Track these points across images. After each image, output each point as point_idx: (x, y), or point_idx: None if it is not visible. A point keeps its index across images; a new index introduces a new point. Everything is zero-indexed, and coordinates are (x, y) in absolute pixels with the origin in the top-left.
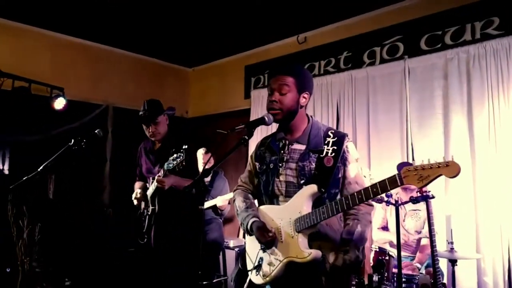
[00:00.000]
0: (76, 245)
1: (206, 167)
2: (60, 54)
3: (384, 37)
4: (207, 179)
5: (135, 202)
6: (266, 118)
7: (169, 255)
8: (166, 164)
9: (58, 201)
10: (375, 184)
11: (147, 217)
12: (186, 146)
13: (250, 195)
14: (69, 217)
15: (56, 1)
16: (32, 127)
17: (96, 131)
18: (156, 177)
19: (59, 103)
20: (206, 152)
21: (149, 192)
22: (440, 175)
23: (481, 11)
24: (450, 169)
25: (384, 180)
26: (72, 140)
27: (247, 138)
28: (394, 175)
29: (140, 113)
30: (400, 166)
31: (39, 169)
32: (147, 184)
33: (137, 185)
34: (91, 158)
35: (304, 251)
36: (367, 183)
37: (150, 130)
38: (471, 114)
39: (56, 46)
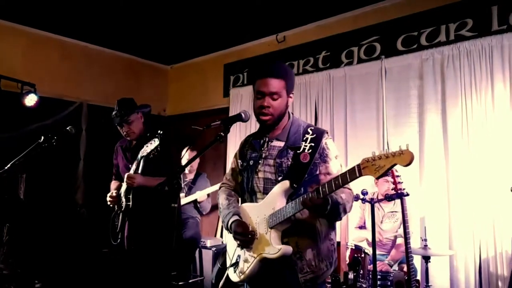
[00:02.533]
0: (47, 246)
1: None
2: (33, 49)
3: (362, 37)
4: (190, 176)
5: (109, 202)
6: (243, 115)
7: (142, 254)
8: (140, 152)
9: (29, 201)
10: (337, 176)
11: (120, 215)
12: (161, 132)
13: (233, 192)
14: (40, 217)
15: None
16: (1, 125)
17: (67, 128)
18: (126, 174)
19: (31, 100)
20: (192, 150)
21: (123, 189)
22: (395, 164)
23: (455, 13)
24: (403, 157)
25: (345, 172)
26: (42, 137)
27: (223, 134)
28: (354, 166)
29: (112, 114)
30: None
31: (6, 167)
32: (123, 184)
33: (113, 184)
34: (64, 156)
35: (275, 246)
36: None
37: (124, 130)
38: (445, 113)
39: (28, 41)
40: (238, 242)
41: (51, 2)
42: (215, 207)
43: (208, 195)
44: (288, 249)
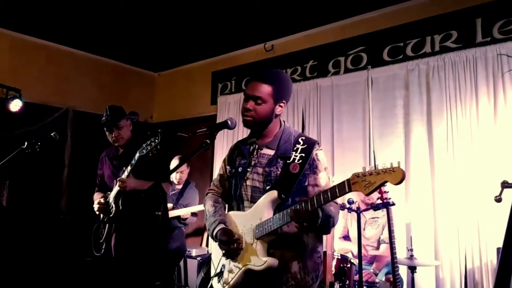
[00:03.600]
0: (30, 253)
1: (178, 176)
2: (19, 54)
3: (349, 48)
4: (179, 187)
5: (97, 209)
6: (229, 122)
7: (130, 263)
8: (138, 150)
9: (13, 208)
10: (326, 190)
11: (108, 223)
12: (161, 130)
13: (220, 199)
14: (23, 224)
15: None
16: None
17: (52, 134)
18: (119, 178)
19: (15, 105)
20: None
21: (112, 194)
22: (386, 181)
23: (440, 24)
24: (394, 175)
25: (334, 187)
26: (26, 143)
27: (209, 141)
28: (343, 181)
29: (103, 118)
30: None
31: None
32: (108, 193)
33: (96, 196)
34: (49, 163)
35: (261, 258)
36: None
37: (113, 135)
38: (431, 124)
39: (14, 46)
40: (223, 251)
41: (37, 7)
42: (201, 219)
43: (196, 214)
44: (274, 261)
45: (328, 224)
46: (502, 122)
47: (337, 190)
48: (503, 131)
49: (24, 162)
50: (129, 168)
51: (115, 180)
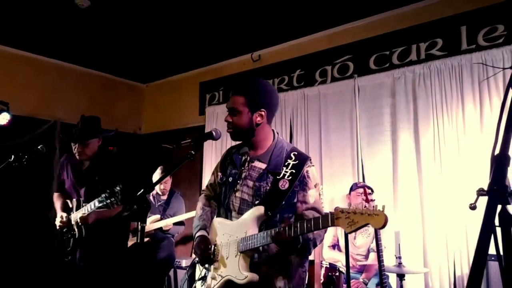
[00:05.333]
0: (18, 265)
1: (162, 187)
2: (6, 67)
3: (335, 56)
4: (164, 197)
5: (59, 226)
6: (214, 133)
7: (96, 274)
8: (97, 200)
9: (1, 219)
10: (310, 219)
11: (71, 240)
12: (119, 188)
13: (212, 201)
14: (12, 236)
15: (3, 13)
16: None
17: (39, 147)
18: (79, 216)
19: (3, 118)
20: (163, 170)
21: (73, 219)
22: (368, 224)
23: (425, 32)
24: (377, 219)
25: (317, 218)
26: (13, 156)
27: (193, 152)
28: (327, 215)
29: (73, 129)
30: (355, 186)
31: None
32: (68, 202)
33: (57, 199)
34: (38, 175)
35: (242, 273)
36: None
37: (77, 150)
38: (418, 132)
39: (1, 60)
40: (197, 257)
41: (24, 20)
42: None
43: (183, 222)
44: (255, 277)
45: (307, 247)
46: (488, 129)
47: (320, 222)
48: (490, 138)
49: (13, 175)
50: (89, 207)
51: (74, 196)
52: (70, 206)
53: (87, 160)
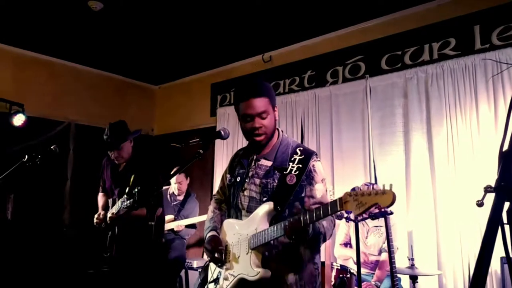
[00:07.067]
0: (33, 266)
1: (177, 187)
2: (22, 69)
3: (347, 57)
4: (180, 198)
5: (96, 222)
6: (222, 132)
7: (130, 276)
8: (120, 202)
9: (17, 221)
10: (319, 207)
11: (108, 237)
12: (137, 189)
13: (223, 205)
14: (27, 237)
15: (19, 16)
16: None
17: (52, 147)
18: (108, 216)
19: (18, 120)
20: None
21: (108, 216)
22: (376, 203)
23: (438, 32)
24: (385, 198)
25: (326, 204)
26: (26, 156)
27: (202, 152)
28: (336, 200)
29: (104, 137)
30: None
31: None
32: (109, 201)
33: (101, 199)
34: (52, 176)
35: (254, 269)
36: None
37: (114, 156)
38: (431, 132)
39: (17, 62)
40: (208, 257)
41: (39, 23)
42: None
43: (195, 225)
44: (267, 273)
45: (317, 240)
46: (503, 129)
47: (329, 208)
48: None
49: (28, 175)
50: (116, 207)
51: (112, 194)
52: (109, 205)
53: (124, 162)
